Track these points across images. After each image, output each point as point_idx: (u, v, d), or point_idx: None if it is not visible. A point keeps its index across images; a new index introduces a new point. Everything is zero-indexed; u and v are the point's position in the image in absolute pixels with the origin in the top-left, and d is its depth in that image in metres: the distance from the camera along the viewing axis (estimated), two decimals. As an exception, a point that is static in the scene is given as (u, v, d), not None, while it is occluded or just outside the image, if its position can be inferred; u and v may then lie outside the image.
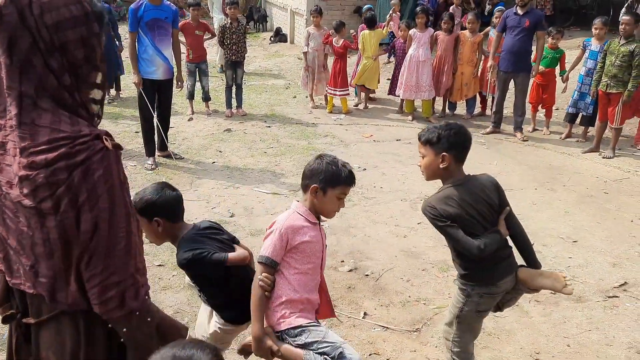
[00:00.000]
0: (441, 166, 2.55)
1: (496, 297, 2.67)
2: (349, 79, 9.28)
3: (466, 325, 2.71)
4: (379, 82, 9.46)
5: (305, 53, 9.03)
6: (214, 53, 11.53)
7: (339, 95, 8.99)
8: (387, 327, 3.62)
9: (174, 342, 1.31)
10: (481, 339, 3.50)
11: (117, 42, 9.16)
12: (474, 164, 6.76)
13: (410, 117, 8.78)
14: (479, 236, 2.51)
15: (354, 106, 9.42)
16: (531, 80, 7.87)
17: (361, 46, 8.98)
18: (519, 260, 2.74)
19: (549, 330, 3.61)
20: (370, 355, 3.35)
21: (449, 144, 2.53)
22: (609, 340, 3.52)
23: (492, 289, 2.61)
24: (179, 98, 9.27)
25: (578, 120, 7.86)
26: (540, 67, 7.76)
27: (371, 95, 9.82)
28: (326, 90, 9.12)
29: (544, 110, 8.19)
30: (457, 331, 2.72)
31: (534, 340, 3.52)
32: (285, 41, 16.00)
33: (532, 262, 2.68)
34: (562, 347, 3.45)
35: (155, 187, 2.48)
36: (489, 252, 2.49)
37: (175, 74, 6.38)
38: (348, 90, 9.13)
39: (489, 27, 8.77)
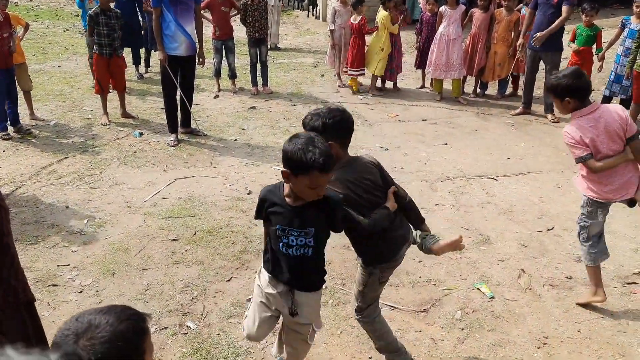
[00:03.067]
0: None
1: (396, 265, 2.85)
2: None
3: (370, 296, 2.89)
4: (392, 68, 8.94)
5: (331, 31, 8.94)
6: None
7: (354, 75, 8.83)
8: (394, 307, 3.61)
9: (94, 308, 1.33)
10: (489, 321, 3.48)
11: (140, 18, 9.20)
12: (499, 145, 6.64)
13: (438, 97, 8.64)
14: (366, 215, 2.56)
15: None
16: (565, 61, 7.60)
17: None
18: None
19: (560, 315, 3.54)
20: (374, 333, 3.35)
21: (335, 133, 2.49)
22: (623, 327, 3.43)
23: (392, 263, 2.80)
24: (205, 75, 9.36)
25: (616, 102, 7.58)
26: (575, 45, 7.49)
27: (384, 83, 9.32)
28: (342, 70, 9.01)
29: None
30: (362, 302, 2.89)
31: (543, 324, 3.45)
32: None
33: (421, 228, 2.92)
34: (572, 332, 3.38)
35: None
36: (380, 226, 2.58)
37: (198, 50, 6.41)
38: (363, 70, 8.88)
39: (521, 5, 8.49)
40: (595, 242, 3.49)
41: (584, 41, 7.49)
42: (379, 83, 9.21)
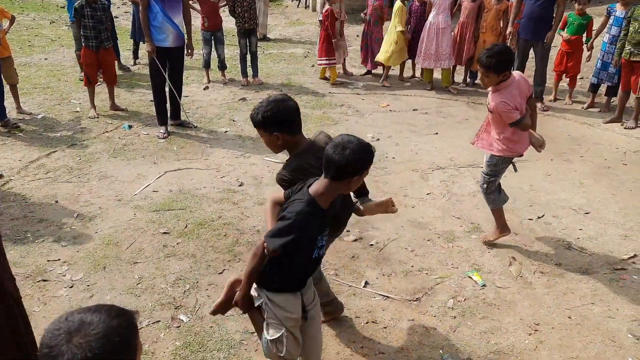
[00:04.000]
0: (279, 143, 2.60)
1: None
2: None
3: None
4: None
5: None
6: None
7: (324, 64, 8.87)
8: (387, 296, 3.62)
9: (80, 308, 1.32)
10: (481, 309, 3.50)
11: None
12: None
13: (428, 87, 8.63)
14: None
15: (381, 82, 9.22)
16: (555, 50, 7.60)
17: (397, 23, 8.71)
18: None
19: (551, 302, 3.57)
20: (367, 323, 3.36)
21: (275, 125, 2.54)
22: (612, 312, 3.47)
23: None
24: (194, 67, 9.30)
25: (603, 90, 7.62)
26: (566, 34, 7.50)
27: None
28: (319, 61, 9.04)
29: (568, 79, 7.94)
30: None
31: (534, 311, 3.48)
32: None
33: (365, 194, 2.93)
34: (562, 318, 3.41)
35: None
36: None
37: (186, 41, 6.35)
38: (333, 59, 8.81)
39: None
40: (498, 190, 4.14)
41: (575, 30, 7.49)
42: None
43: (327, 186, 2.24)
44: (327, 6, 8.50)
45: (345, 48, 9.19)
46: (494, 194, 4.14)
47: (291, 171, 2.59)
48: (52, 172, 5.38)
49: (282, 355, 2.45)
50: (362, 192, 2.95)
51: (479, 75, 3.87)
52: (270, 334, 2.44)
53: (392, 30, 8.58)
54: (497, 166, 4.02)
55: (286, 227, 2.20)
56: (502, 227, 4.20)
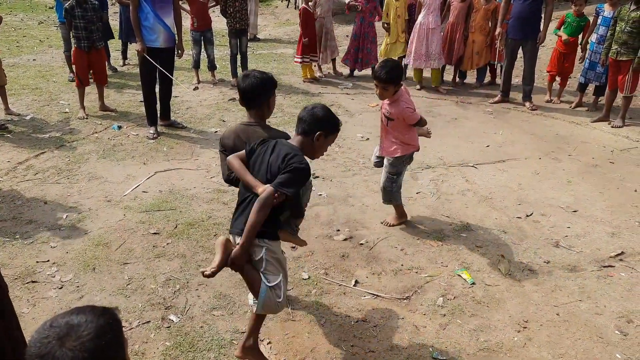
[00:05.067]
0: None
1: None
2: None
3: None
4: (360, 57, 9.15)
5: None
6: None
7: (297, 62, 8.99)
8: (377, 295, 3.64)
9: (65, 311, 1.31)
10: (470, 307, 3.52)
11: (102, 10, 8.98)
12: (479, 133, 6.69)
13: (418, 86, 8.67)
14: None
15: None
16: (547, 49, 7.64)
17: (384, 15, 8.79)
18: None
19: (539, 299, 3.60)
20: (357, 322, 3.37)
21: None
22: (600, 309, 3.50)
23: None
24: (184, 67, 9.27)
25: (591, 89, 7.68)
26: (564, 35, 7.53)
27: None
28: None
29: (559, 78, 7.99)
30: None
31: (523, 309, 3.51)
32: None
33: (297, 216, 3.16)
34: (551, 315, 3.44)
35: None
36: (234, 181, 2.95)
37: (177, 42, 6.33)
38: (303, 57, 8.92)
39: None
40: (400, 187, 4.44)
41: (573, 31, 7.48)
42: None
43: (298, 142, 2.72)
44: (302, 4, 8.62)
45: (335, 48, 9.21)
46: (398, 191, 4.41)
47: (225, 135, 3.02)
48: (41, 173, 5.35)
49: (280, 300, 2.65)
50: (297, 213, 3.09)
51: (377, 90, 4.03)
52: (270, 280, 2.63)
53: (392, 23, 8.70)
54: (403, 164, 4.34)
55: (302, 174, 2.58)
56: (403, 215, 4.55)
